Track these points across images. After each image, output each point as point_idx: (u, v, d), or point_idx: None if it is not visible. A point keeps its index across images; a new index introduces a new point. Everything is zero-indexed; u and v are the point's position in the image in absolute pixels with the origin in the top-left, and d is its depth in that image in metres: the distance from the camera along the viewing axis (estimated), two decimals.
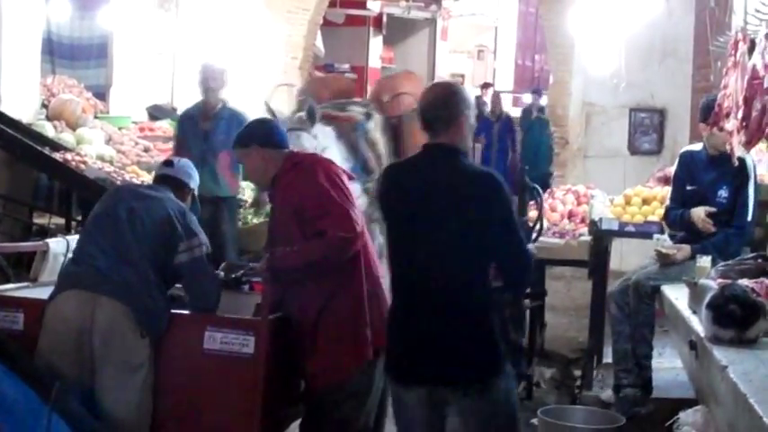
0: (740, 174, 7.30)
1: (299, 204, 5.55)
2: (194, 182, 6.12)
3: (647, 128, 14.01)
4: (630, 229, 8.29)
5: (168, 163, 6.20)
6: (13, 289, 6.22)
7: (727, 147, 6.91)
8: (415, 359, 4.78)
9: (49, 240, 6.80)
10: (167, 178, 6.04)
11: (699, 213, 7.43)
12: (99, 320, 5.40)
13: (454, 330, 4.70)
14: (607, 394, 7.88)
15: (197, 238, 5.71)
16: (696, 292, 5.78)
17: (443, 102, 4.85)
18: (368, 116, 9.26)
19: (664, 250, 7.51)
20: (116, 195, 5.98)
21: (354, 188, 8.28)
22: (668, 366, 8.17)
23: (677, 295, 6.62)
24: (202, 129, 9.67)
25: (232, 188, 9.78)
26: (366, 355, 5.56)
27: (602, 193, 9.18)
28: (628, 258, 8.84)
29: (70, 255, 6.27)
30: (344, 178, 5.74)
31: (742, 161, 7.17)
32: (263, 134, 5.86)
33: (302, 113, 8.67)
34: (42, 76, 12.77)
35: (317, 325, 5.54)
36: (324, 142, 8.43)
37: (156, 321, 5.51)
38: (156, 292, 5.57)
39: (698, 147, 7.74)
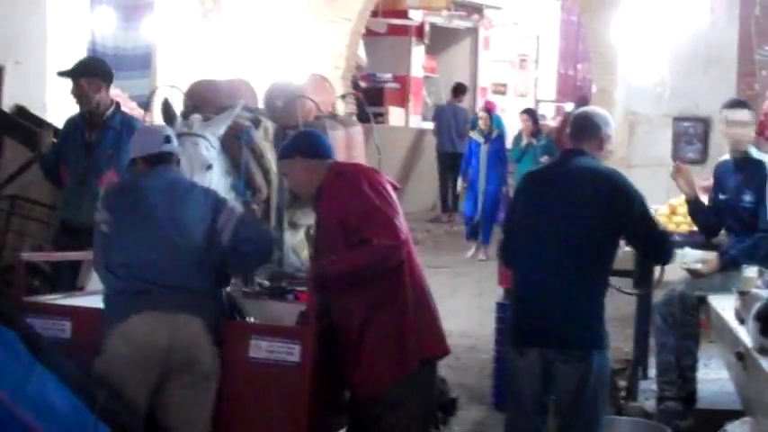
0: (760, 176, 7.33)
1: (344, 214, 5.56)
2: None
3: (691, 137, 13.93)
4: (676, 239, 8.25)
5: (167, 139, 5.93)
6: (60, 297, 6.26)
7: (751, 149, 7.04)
8: (533, 325, 5.67)
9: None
10: (170, 156, 5.88)
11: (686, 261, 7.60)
12: (180, 341, 5.36)
13: (568, 304, 5.57)
14: (651, 405, 7.83)
15: (225, 200, 5.79)
16: (746, 302, 5.75)
17: (591, 116, 5.94)
18: (256, 123, 8.14)
19: (689, 266, 7.50)
20: (138, 198, 5.66)
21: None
22: (714, 377, 8.11)
23: (723, 306, 6.58)
24: (86, 141, 7.94)
25: None
26: (410, 365, 5.56)
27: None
28: (673, 269, 8.76)
29: None
30: (389, 187, 5.73)
31: (761, 163, 7.25)
32: (307, 145, 5.86)
33: (197, 116, 7.71)
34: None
35: (361, 334, 5.55)
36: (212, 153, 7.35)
37: (219, 326, 5.52)
38: (218, 294, 5.59)
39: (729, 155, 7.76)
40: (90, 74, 7.88)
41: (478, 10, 24.43)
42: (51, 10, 11.49)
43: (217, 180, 7.42)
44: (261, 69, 13.93)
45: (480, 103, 22.21)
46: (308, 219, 7.27)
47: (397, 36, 22.14)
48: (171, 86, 9.40)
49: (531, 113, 17.23)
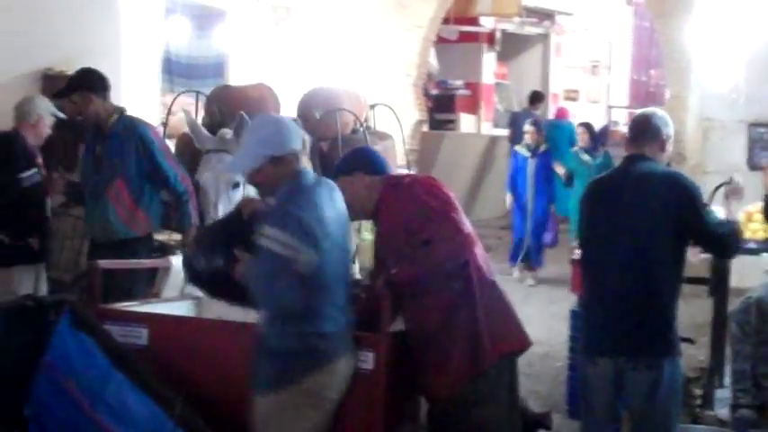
0: None
1: (404, 220, 5.58)
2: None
3: (766, 143, 13.78)
4: (752, 245, 8.16)
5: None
6: (137, 304, 6.31)
7: None
8: (603, 334, 5.61)
9: (171, 257, 6.89)
10: None
11: None
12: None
13: (637, 312, 5.50)
14: (724, 413, 7.76)
15: None
16: None
17: (650, 118, 5.82)
18: None
19: None
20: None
21: None
22: None
23: None
24: (96, 154, 7.62)
25: (134, 226, 7.56)
26: (486, 362, 5.52)
27: (722, 210, 9.03)
28: (749, 275, 8.71)
29: None
30: (445, 189, 5.74)
31: None
32: (368, 161, 5.84)
33: (226, 131, 7.47)
34: (161, 95, 12.95)
35: (434, 337, 5.53)
36: None
37: None
38: None
39: None
40: (79, 88, 7.61)
41: (550, 16, 24.35)
42: (125, 19, 11.62)
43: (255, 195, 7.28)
44: (333, 77, 14.00)
45: (552, 110, 22.15)
46: None
47: (468, 43, 22.12)
48: (196, 92, 9.31)
49: (588, 127, 16.05)
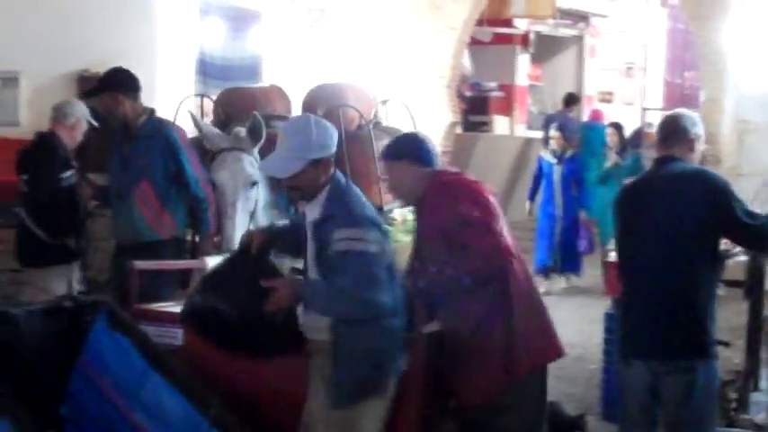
0: None
1: (444, 226, 5.56)
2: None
3: None
4: None
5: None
6: (172, 305, 6.33)
7: None
8: (638, 336, 5.63)
9: (206, 258, 6.90)
10: None
11: None
12: None
13: (673, 314, 5.49)
14: (761, 417, 7.72)
15: None
16: None
17: (678, 119, 5.80)
18: None
19: None
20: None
21: None
22: None
23: None
24: (123, 155, 7.56)
25: (160, 228, 7.48)
26: (518, 372, 5.52)
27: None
28: None
29: None
30: (489, 195, 5.72)
31: None
32: (418, 150, 5.71)
33: (240, 129, 7.44)
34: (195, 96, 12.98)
35: (469, 342, 5.52)
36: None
37: None
38: None
39: None
40: (108, 88, 7.54)
41: (584, 18, 24.28)
42: (161, 21, 11.66)
43: (263, 197, 7.32)
44: (367, 79, 14.00)
45: (586, 112, 22.07)
46: None
47: (502, 45, 22.07)
48: (202, 95, 9.30)
49: (617, 127, 15.54)
